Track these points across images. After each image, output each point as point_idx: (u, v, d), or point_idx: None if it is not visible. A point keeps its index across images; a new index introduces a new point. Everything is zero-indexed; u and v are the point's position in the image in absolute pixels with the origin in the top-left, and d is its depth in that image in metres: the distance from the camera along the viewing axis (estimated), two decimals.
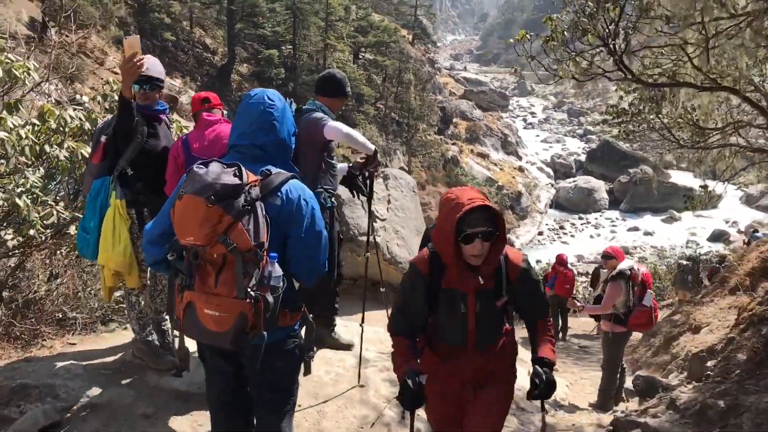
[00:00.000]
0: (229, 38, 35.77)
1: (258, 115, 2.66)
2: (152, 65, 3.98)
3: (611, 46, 5.44)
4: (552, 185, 49.19)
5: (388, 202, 9.47)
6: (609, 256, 6.59)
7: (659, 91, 10.22)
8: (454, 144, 45.92)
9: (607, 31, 5.34)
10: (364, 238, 8.82)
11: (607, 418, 5.18)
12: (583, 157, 53.30)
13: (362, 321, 4.87)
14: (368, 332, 5.47)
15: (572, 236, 42.22)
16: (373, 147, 4.45)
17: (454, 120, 49.28)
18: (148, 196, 4.04)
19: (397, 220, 9.34)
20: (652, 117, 12.80)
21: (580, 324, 14.20)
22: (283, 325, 2.61)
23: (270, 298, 2.35)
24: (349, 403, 4.25)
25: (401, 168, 31.44)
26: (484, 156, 47.38)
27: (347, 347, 5.02)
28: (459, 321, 2.84)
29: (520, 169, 48.67)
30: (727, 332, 5.79)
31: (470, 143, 47.98)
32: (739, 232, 36.95)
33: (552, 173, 51.19)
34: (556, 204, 46.75)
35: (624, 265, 6.31)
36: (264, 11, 37.19)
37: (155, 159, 4.03)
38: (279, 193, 2.50)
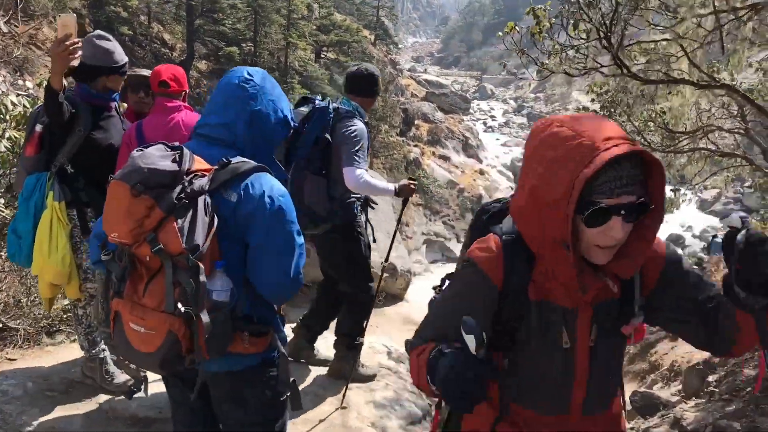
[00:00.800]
0: (188, 34, 34.88)
1: (231, 89, 2.21)
2: (114, 48, 3.47)
3: (607, 38, 5.10)
4: (511, 188, 49.31)
5: None
6: None
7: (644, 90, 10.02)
8: (416, 146, 45.65)
9: (605, 23, 4.99)
10: None
11: None
12: None
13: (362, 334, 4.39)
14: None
15: None
16: (393, 187, 4.04)
17: (416, 122, 49.04)
18: (92, 195, 3.50)
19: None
20: (623, 120, 12.69)
21: None
22: (238, 352, 2.10)
23: (205, 317, 1.87)
24: (330, 428, 3.79)
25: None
26: (445, 158, 47.24)
27: (369, 378, 4.50)
28: (560, 362, 1.66)
29: (481, 172, 48.69)
30: None
31: (432, 145, 47.79)
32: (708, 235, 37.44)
33: (512, 176, 51.34)
34: None
35: None
36: (224, 7, 36.38)
37: (101, 154, 3.49)
38: (235, 188, 2.02)
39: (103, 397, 3.65)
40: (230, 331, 1.99)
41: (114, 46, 3.46)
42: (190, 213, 1.89)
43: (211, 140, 2.18)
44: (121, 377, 3.72)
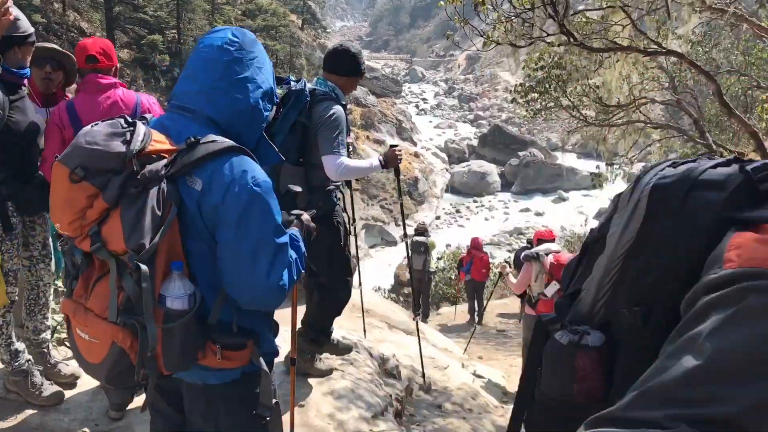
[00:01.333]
0: (107, 22, 33.37)
1: (211, 52, 1.82)
2: (20, 14, 3.06)
3: (553, 6, 4.94)
4: (447, 170, 49.67)
5: None
6: (541, 240, 6.19)
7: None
8: (350, 131, 45.31)
9: None
10: None
11: None
12: (475, 142, 54.16)
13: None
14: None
15: (468, 219, 42.78)
16: (377, 162, 3.69)
17: (349, 106, 48.60)
18: (12, 185, 3.10)
19: None
20: (557, 95, 12.76)
21: (495, 307, 14.02)
22: (210, 365, 1.80)
23: (152, 328, 1.60)
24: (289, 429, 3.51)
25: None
26: (380, 142, 47.03)
27: (326, 373, 4.20)
28: None
29: (416, 155, 48.78)
30: None
31: (366, 129, 47.54)
32: None
33: (446, 158, 51.68)
34: (451, 188, 47.24)
35: (541, 247, 5.92)
36: None
37: (22, 140, 3.09)
38: (201, 173, 1.67)
39: (30, 412, 3.26)
40: (195, 342, 1.71)
41: (19, 12, 3.04)
42: (139, 204, 1.59)
43: (187, 113, 1.81)
44: (50, 389, 3.34)
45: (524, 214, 42.92)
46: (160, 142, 1.70)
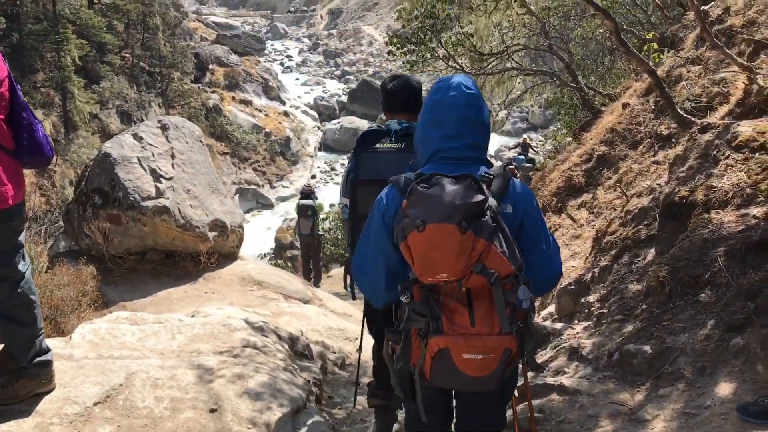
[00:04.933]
0: None
1: (465, 108, 2.23)
2: None
3: None
4: (318, 128, 48.94)
5: (172, 156, 7.92)
6: None
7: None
8: (213, 92, 43.32)
9: None
10: (148, 203, 7.35)
11: None
12: (344, 98, 53.64)
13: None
14: (195, 325, 4.19)
15: None
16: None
17: (211, 67, 46.43)
18: None
19: (186, 177, 7.86)
20: (434, 45, 12.52)
21: None
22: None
23: (531, 327, 2.13)
24: None
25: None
26: (247, 103, 45.47)
27: None
28: None
29: (286, 114, 47.63)
30: (587, 259, 5.39)
31: (231, 90, 45.70)
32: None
33: (317, 116, 50.88)
34: (324, 146, 46.67)
35: None
36: None
37: None
38: (508, 199, 2.16)
39: None
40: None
41: None
42: (502, 234, 2.03)
43: (457, 161, 2.20)
44: None
45: None
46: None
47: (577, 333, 4.26)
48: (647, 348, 3.45)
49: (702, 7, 9.54)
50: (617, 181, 7.73)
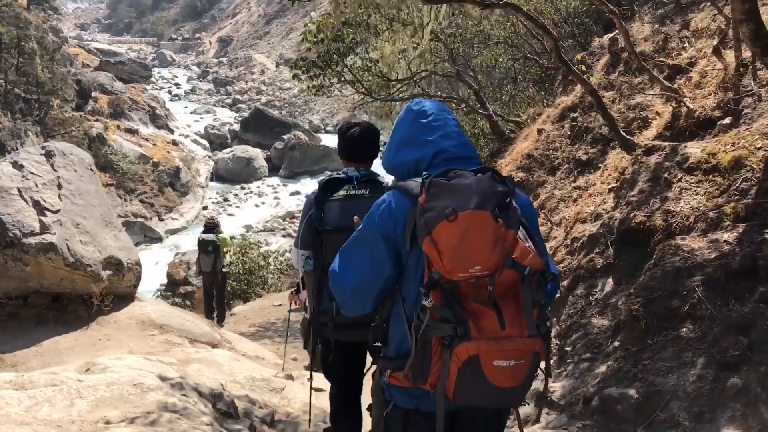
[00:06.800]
0: None
1: (444, 114, 2.22)
2: None
3: None
4: (210, 157, 47.48)
5: (59, 186, 7.02)
6: None
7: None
8: (97, 120, 41.02)
9: None
10: (31, 240, 6.45)
11: None
12: (236, 127, 52.54)
13: None
14: (99, 386, 3.47)
15: (238, 207, 41.36)
16: None
17: (94, 94, 44.08)
18: None
19: (75, 210, 6.97)
20: (339, 69, 12.22)
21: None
22: None
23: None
24: None
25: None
26: (133, 132, 43.41)
27: None
28: None
29: (174, 143, 45.88)
30: None
31: (115, 118, 43.50)
32: None
33: (208, 145, 49.40)
34: (216, 176, 45.35)
35: None
36: None
37: None
38: (516, 197, 1.99)
39: None
40: None
41: None
42: (523, 227, 1.96)
43: (467, 160, 2.12)
44: None
45: (295, 197, 42.52)
46: None
47: (537, 373, 3.86)
48: (632, 392, 3.09)
49: (606, 36, 9.74)
50: (539, 208, 7.57)
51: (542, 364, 1.96)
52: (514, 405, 2.02)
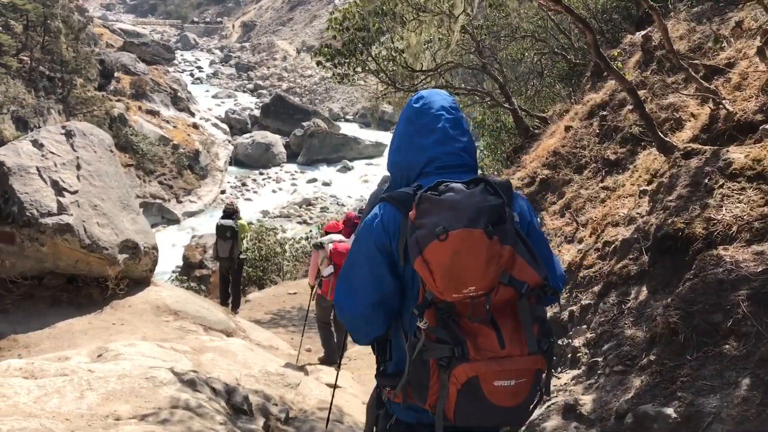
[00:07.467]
0: None
1: (454, 111, 2.10)
2: None
3: None
4: (229, 142, 47.52)
5: (78, 167, 6.93)
6: (328, 231, 7.16)
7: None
8: (119, 101, 41.14)
9: None
10: (48, 220, 6.37)
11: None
12: (257, 112, 52.50)
13: None
14: (110, 378, 3.35)
15: (255, 192, 41.39)
16: None
17: (116, 74, 44.22)
18: None
19: (93, 191, 6.89)
20: (364, 58, 12.06)
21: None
22: None
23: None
24: None
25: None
26: (154, 113, 43.48)
27: None
28: None
29: (195, 126, 45.93)
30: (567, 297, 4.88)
31: (137, 99, 43.60)
32: None
33: (228, 129, 49.43)
34: (235, 161, 45.40)
35: (326, 237, 6.95)
36: None
37: None
38: (514, 207, 1.97)
39: None
40: None
41: None
42: (521, 241, 1.85)
43: (460, 168, 2.05)
44: None
45: (312, 184, 42.50)
46: None
47: (566, 384, 3.71)
48: (670, 410, 2.91)
49: (638, 33, 9.47)
50: (564, 207, 7.37)
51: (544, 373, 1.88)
52: (517, 423, 1.94)
